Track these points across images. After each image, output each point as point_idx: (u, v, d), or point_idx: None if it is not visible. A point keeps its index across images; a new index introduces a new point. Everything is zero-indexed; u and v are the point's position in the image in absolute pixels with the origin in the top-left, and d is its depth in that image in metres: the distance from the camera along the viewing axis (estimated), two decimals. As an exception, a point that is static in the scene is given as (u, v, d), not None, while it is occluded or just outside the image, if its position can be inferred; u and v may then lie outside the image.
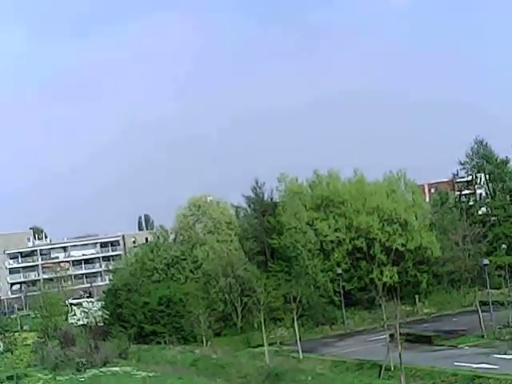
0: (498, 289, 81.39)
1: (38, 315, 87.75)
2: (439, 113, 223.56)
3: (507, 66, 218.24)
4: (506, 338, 59.72)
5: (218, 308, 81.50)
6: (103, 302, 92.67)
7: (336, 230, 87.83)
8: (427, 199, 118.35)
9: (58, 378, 63.84)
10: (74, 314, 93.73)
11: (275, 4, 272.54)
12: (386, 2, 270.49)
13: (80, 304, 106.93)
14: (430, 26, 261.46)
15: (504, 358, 48.45)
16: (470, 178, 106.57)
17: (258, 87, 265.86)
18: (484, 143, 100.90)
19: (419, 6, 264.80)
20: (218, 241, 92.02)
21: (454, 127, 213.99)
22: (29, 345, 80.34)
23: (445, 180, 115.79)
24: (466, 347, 61.38)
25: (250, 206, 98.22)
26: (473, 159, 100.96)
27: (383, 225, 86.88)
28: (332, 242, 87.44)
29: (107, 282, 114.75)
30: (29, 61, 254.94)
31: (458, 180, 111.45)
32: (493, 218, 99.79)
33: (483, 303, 69.13)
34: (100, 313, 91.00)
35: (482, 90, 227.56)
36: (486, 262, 71.07)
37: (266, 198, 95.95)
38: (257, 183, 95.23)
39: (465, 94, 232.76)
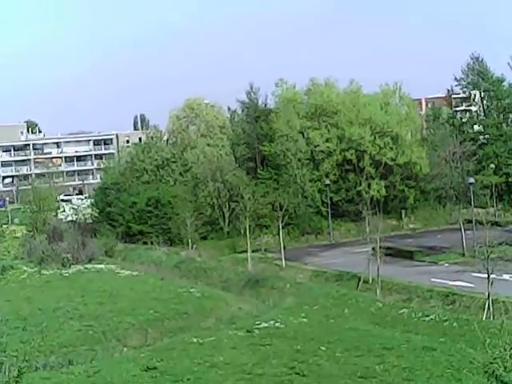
0: (484, 208, 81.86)
1: (28, 209, 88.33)
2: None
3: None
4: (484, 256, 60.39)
5: (205, 212, 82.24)
6: (93, 200, 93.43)
7: (327, 140, 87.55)
8: (423, 113, 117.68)
9: (42, 271, 64.74)
10: (64, 211, 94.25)
11: None
12: None
13: (70, 201, 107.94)
14: None
15: (480, 277, 49.02)
16: (465, 94, 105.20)
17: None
18: (480, 59, 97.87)
19: None
20: (209, 145, 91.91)
21: (455, 41, 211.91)
22: (17, 237, 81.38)
23: (442, 95, 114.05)
24: (446, 264, 62.48)
25: (243, 110, 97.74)
26: (468, 75, 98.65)
27: (374, 137, 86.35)
28: (322, 152, 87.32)
29: (98, 180, 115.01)
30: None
31: (455, 96, 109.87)
32: (485, 136, 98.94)
33: (468, 221, 69.68)
34: (89, 210, 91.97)
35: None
36: (471, 180, 71.18)
37: (260, 104, 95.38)
38: (251, 88, 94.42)
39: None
